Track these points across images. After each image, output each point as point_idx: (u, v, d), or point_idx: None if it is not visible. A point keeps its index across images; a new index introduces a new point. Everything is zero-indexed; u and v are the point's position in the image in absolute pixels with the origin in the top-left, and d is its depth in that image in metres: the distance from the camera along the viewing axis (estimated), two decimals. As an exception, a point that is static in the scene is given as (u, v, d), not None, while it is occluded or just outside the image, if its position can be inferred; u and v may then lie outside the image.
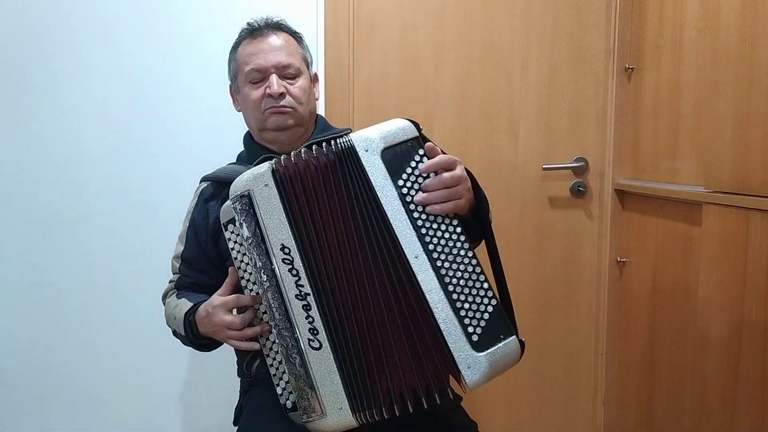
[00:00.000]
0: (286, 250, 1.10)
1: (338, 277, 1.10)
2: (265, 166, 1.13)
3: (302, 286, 1.09)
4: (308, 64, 1.42)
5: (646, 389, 1.82)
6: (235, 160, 1.45)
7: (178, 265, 1.39)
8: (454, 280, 1.08)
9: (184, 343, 1.33)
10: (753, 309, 1.30)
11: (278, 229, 1.10)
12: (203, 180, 1.42)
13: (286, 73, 1.36)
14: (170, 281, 1.41)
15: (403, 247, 1.08)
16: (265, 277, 1.10)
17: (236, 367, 1.42)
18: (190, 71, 1.86)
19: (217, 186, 1.38)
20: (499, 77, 1.96)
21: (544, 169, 1.98)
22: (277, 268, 1.10)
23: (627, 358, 1.95)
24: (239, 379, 1.43)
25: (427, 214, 1.09)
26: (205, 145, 1.85)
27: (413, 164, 1.11)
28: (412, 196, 1.10)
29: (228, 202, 1.15)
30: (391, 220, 1.09)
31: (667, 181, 1.72)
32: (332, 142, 1.13)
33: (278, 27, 1.41)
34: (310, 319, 1.09)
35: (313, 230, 1.10)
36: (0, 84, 1.83)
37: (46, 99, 1.84)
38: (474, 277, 1.09)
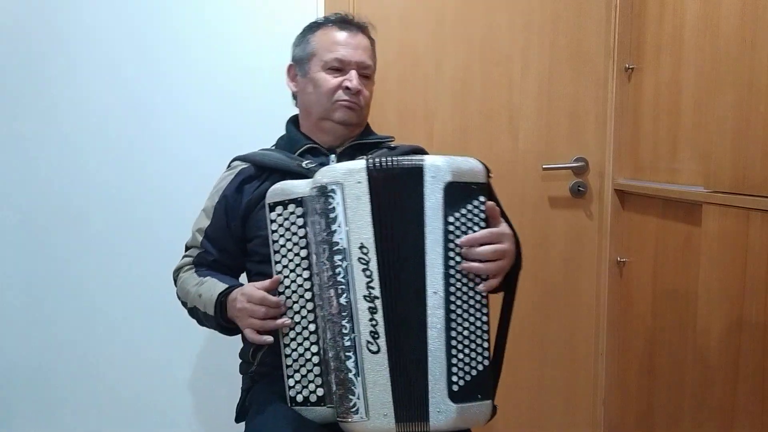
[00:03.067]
0: (365, 250, 1.10)
1: (411, 287, 1.11)
2: (361, 163, 1.13)
3: (373, 288, 1.10)
4: (375, 71, 1.45)
5: (646, 389, 1.82)
6: (273, 146, 1.46)
7: (200, 240, 1.38)
8: (459, 328, 1.10)
9: (203, 323, 1.32)
10: (753, 309, 1.30)
11: (361, 228, 1.11)
12: (239, 160, 1.42)
13: (364, 73, 1.39)
14: (186, 255, 1.40)
15: (428, 278, 1.10)
16: (330, 272, 1.10)
17: (238, 364, 1.42)
18: (187, 72, 1.85)
19: (258, 169, 1.38)
20: (499, 77, 1.96)
21: (544, 169, 1.98)
22: (351, 266, 1.10)
23: (627, 358, 1.95)
24: (240, 377, 1.42)
25: (462, 258, 1.11)
26: (202, 145, 1.85)
27: (469, 207, 1.12)
28: (457, 236, 1.11)
29: (289, 186, 1.15)
30: (427, 249, 1.10)
31: (667, 181, 1.72)
32: (415, 157, 1.15)
33: (364, 29, 1.44)
34: (374, 323, 1.09)
35: (390, 235, 1.12)
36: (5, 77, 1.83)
37: (39, 101, 1.84)
38: (478, 333, 1.11)
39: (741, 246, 1.33)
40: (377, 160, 1.14)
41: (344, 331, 1.09)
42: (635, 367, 1.88)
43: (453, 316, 1.10)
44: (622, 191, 1.96)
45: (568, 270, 2.02)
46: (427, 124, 1.96)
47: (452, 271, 1.11)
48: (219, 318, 1.26)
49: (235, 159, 1.43)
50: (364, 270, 1.10)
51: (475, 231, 1.12)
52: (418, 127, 1.95)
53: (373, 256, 1.10)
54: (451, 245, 1.11)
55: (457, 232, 1.11)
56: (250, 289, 1.18)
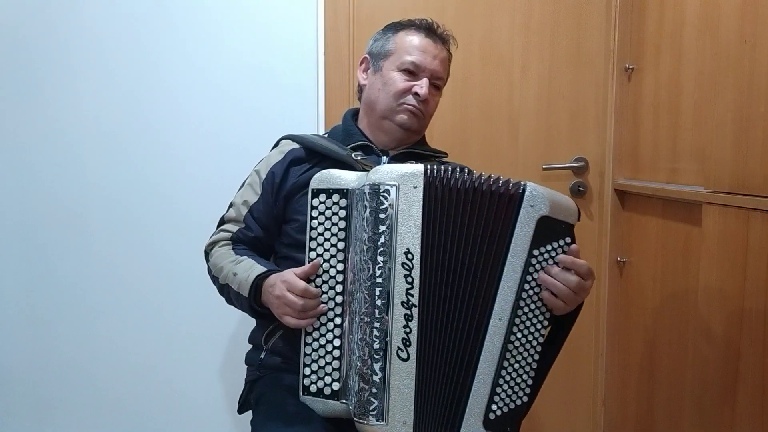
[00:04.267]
0: (410, 256, 1.09)
1: (452, 302, 1.10)
2: (419, 168, 1.11)
3: (412, 295, 1.08)
4: (444, 86, 1.45)
5: (646, 389, 1.82)
6: (325, 134, 1.46)
7: (245, 214, 1.36)
8: (512, 359, 1.10)
9: (231, 300, 1.30)
10: (753, 309, 1.30)
11: (409, 234, 1.09)
12: (289, 139, 1.41)
13: (436, 83, 1.40)
14: (223, 230, 1.37)
15: (496, 304, 1.10)
16: (369, 272, 1.09)
17: (241, 358, 1.41)
18: (187, 72, 1.85)
19: (308, 153, 1.37)
20: (499, 77, 1.96)
21: (544, 169, 1.98)
22: (393, 270, 1.08)
23: (627, 358, 1.95)
24: (245, 368, 1.42)
25: (535, 294, 1.11)
26: (202, 147, 1.86)
27: (555, 245, 1.11)
28: (536, 270, 1.11)
29: (337, 175, 1.14)
30: (504, 277, 1.10)
31: (667, 181, 1.72)
32: (501, 178, 1.13)
33: (446, 41, 1.44)
34: (408, 330, 1.08)
35: (441, 247, 1.10)
36: (5, 78, 1.83)
37: (38, 102, 1.84)
38: (527, 369, 1.12)
39: (741, 246, 1.33)
40: (438, 169, 1.12)
41: (376, 334, 1.08)
42: (635, 367, 1.88)
43: (510, 346, 1.10)
44: (622, 191, 1.96)
45: (568, 270, 2.01)
46: (427, 124, 1.96)
47: (522, 304, 1.10)
48: (252, 301, 1.24)
49: (284, 137, 1.42)
50: (405, 276, 1.08)
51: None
52: (418, 127, 1.95)
53: (417, 264, 1.09)
54: (528, 278, 1.10)
55: (537, 267, 1.11)
56: (291, 278, 1.15)
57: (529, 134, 1.98)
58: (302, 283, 1.14)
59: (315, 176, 1.15)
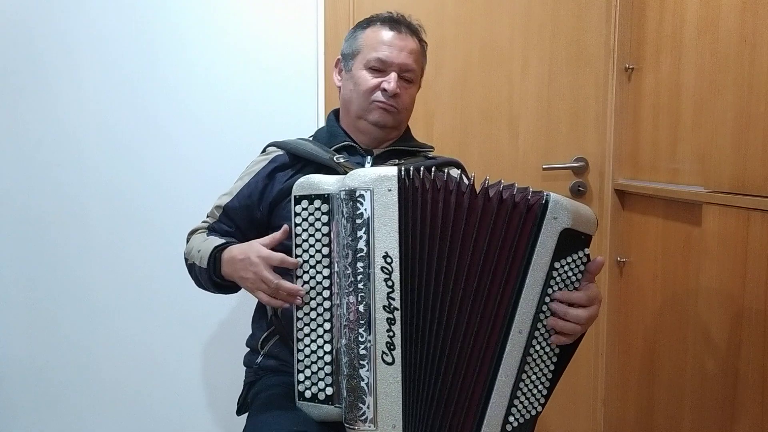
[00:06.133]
0: (389, 260, 1.07)
1: (437, 304, 1.08)
2: (393, 171, 1.09)
3: (393, 299, 1.07)
4: (421, 77, 1.43)
5: (646, 389, 1.82)
6: (310, 137, 1.45)
7: (218, 214, 1.37)
8: (530, 371, 1.10)
9: (198, 280, 1.31)
10: (753, 309, 1.30)
11: (386, 237, 1.07)
12: (275, 146, 1.40)
13: (406, 76, 1.37)
14: (203, 221, 1.39)
15: (516, 316, 1.08)
16: (351, 278, 1.08)
17: (240, 358, 1.42)
18: (189, 71, 1.86)
19: (292, 158, 1.36)
20: (499, 77, 1.96)
21: (544, 169, 1.98)
22: (372, 274, 1.07)
23: (627, 358, 1.95)
24: (243, 369, 1.42)
25: (553, 308, 1.09)
26: (205, 143, 1.86)
27: (575, 257, 1.10)
28: (557, 283, 1.09)
29: (318, 180, 1.12)
30: (525, 289, 1.08)
31: (667, 181, 1.72)
32: (525, 189, 1.10)
33: (415, 31, 1.41)
34: (391, 334, 1.07)
35: (425, 251, 1.08)
36: (8, 75, 1.83)
37: (42, 101, 1.84)
38: (543, 380, 1.11)
39: (741, 246, 1.33)
40: (413, 170, 1.10)
41: (360, 339, 1.07)
42: (635, 367, 1.88)
43: (529, 359, 1.09)
44: (622, 191, 1.96)
45: (568, 270, 2.02)
46: (427, 124, 1.96)
47: (541, 316, 1.09)
48: (212, 273, 1.24)
49: (270, 144, 1.42)
50: (386, 280, 1.07)
51: (573, 281, 1.11)
52: (418, 127, 1.95)
53: (396, 267, 1.07)
54: (549, 290, 1.09)
55: (558, 279, 1.09)
56: (266, 253, 1.14)
57: (529, 134, 1.98)
58: (278, 254, 1.13)
59: (297, 183, 1.14)
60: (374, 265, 1.07)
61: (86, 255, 1.88)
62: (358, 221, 1.08)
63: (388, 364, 1.07)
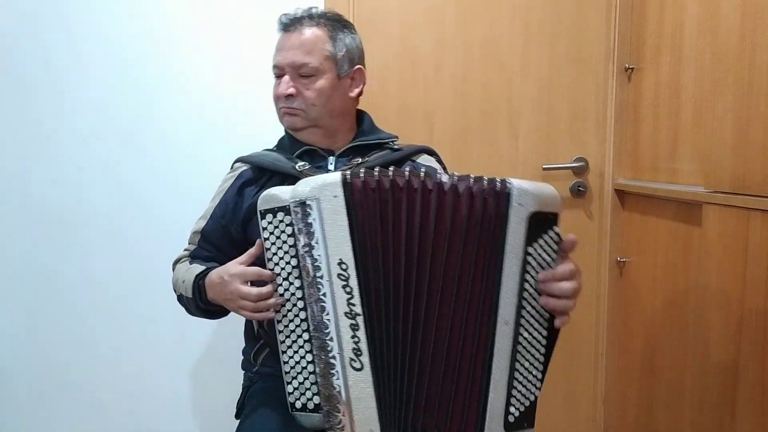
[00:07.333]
0: (344, 266, 1.06)
1: (408, 306, 1.07)
2: (337, 176, 1.07)
3: (354, 305, 1.06)
4: (338, 61, 1.34)
5: (646, 389, 1.82)
6: (275, 146, 1.43)
7: (197, 240, 1.37)
8: (522, 360, 1.09)
9: (189, 309, 1.31)
10: (753, 309, 1.30)
11: (339, 244, 1.06)
12: (241, 161, 1.39)
13: (302, 72, 1.32)
14: (185, 249, 1.39)
15: (500, 308, 1.07)
16: (313, 288, 1.07)
17: (240, 360, 1.42)
18: (193, 71, 1.86)
19: (257, 171, 1.35)
20: (499, 77, 1.96)
21: (544, 169, 1.98)
22: (330, 283, 1.06)
23: (627, 358, 1.95)
24: (242, 372, 1.42)
25: (535, 291, 1.08)
26: (209, 143, 1.86)
27: (546, 239, 1.09)
28: (533, 267, 1.07)
29: (277, 193, 1.10)
30: (503, 279, 1.06)
31: (667, 181, 1.72)
32: (485, 178, 1.07)
33: (308, 19, 1.34)
34: (356, 339, 1.06)
35: (380, 252, 1.06)
36: (2, 83, 1.83)
37: (47, 97, 1.84)
38: (537, 364, 1.10)
39: (741, 246, 1.33)
40: (373, 171, 1.08)
41: (328, 348, 1.07)
42: (635, 367, 1.88)
43: (519, 347, 1.08)
44: (622, 191, 1.96)
45: (568, 270, 2.02)
46: (427, 124, 1.96)
47: (524, 303, 1.08)
48: (198, 300, 1.24)
49: (237, 160, 1.41)
50: (344, 287, 1.06)
51: (549, 262, 1.09)
52: (418, 127, 1.95)
53: (353, 273, 1.05)
54: (527, 276, 1.07)
55: (534, 263, 1.08)
56: (240, 269, 1.14)
57: (529, 134, 1.98)
58: (252, 269, 1.13)
59: (260, 197, 1.13)
60: (331, 273, 1.06)
61: (83, 261, 1.87)
62: (311, 231, 1.07)
63: (357, 370, 1.06)
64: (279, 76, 1.35)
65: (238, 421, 1.35)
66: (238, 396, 1.41)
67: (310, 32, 1.33)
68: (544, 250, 1.09)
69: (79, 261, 1.88)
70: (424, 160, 1.40)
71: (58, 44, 1.83)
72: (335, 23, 1.36)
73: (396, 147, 1.40)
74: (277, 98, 1.35)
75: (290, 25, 1.34)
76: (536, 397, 1.11)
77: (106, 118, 1.85)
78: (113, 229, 1.87)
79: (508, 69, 1.96)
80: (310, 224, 1.07)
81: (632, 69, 1.91)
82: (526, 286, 1.08)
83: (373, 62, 1.93)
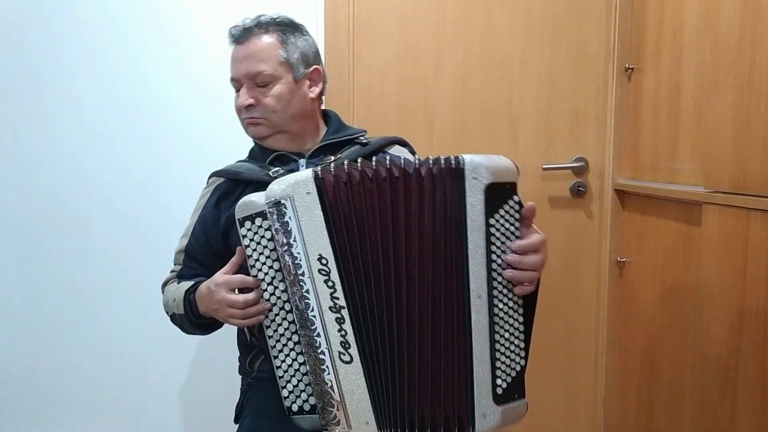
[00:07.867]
0: (324, 261, 1.08)
1: (389, 293, 1.08)
2: (308, 173, 1.09)
3: (337, 298, 1.08)
4: (293, 65, 1.34)
5: (646, 389, 1.82)
6: (246, 156, 1.44)
7: (182, 259, 1.37)
8: (501, 330, 1.09)
9: (182, 327, 1.31)
10: (753, 309, 1.30)
11: (317, 239, 1.08)
12: (216, 175, 1.40)
13: (258, 81, 1.32)
14: (172, 271, 1.39)
15: (471, 283, 1.08)
16: (296, 286, 1.08)
17: (238, 364, 1.42)
18: (185, 73, 1.86)
19: (232, 184, 1.36)
20: (499, 77, 1.96)
21: (544, 169, 1.98)
22: (312, 279, 1.08)
23: (627, 358, 1.95)
24: (240, 377, 1.42)
25: (504, 261, 1.09)
26: (212, 141, 1.86)
27: (506, 208, 1.10)
28: (498, 238, 1.09)
29: (253, 199, 1.12)
30: (470, 254, 1.08)
31: (667, 181, 1.72)
32: (441, 158, 1.09)
33: (257, 28, 1.34)
34: (343, 332, 1.07)
35: (357, 243, 1.08)
36: (5, 81, 1.84)
37: (53, 95, 1.85)
38: (517, 333, 1.11)
39: (741, 246, 1.33)
40: (342, 165, 1.10)
41: (316, 345, 1.08)
42: (635, 367, 1.88)
43: (496, 319, 1.09)
44: (622, 191, 1.96)
45: (568, 270, 2.02)
46: (427, 124, 1.96)
47: (494, 275, 1.09)
48: (190, 315, 1.25)
49: (212, 175, 1.41)
50: (326, 281, 1.07)
51: (513, 231, 1.10)
52: (418, 127, 1.96)
53: (333, 266, 1.07)
54: (493, 248, 1.09)
55: (497, 234, 1.09)
56: (225, 278, 1.15)
57: (529, 134, 1.98)
58: (236, 277, 1.14)
59: (237, 206, 1.14)
60: (312, 269, 1.08)
61: (84, 259, 1.88)
62: (288, 229, 1.08)
63: (346, 363, 1.07)
64: (238, 89, 1.35)
65: (237, 425, 1.36)
66: (237, 400, 1.41)
67: (260, 41, 1.33)
68: (507, 220, 1.10)
69: (80, 261, 1.88)
70: (396, 150, 1.40)
71: (58, 44, 1.83)
72: (285, 27, 1.36)
73: (365, 141, 1.41)
74: (239, 110, 1.35)
75: (241, 36, 1.34)
76: (522, 368, 1.11)
77: (104, 118, 1.86)
78: (116, 230, 1.88)
79: (508, 69, 1.96)
80: (287, 223, 1.08)
81: (632, 69, 1.91)
82: (494, 257, 1.09)
83: (373, 62, 1.94)
